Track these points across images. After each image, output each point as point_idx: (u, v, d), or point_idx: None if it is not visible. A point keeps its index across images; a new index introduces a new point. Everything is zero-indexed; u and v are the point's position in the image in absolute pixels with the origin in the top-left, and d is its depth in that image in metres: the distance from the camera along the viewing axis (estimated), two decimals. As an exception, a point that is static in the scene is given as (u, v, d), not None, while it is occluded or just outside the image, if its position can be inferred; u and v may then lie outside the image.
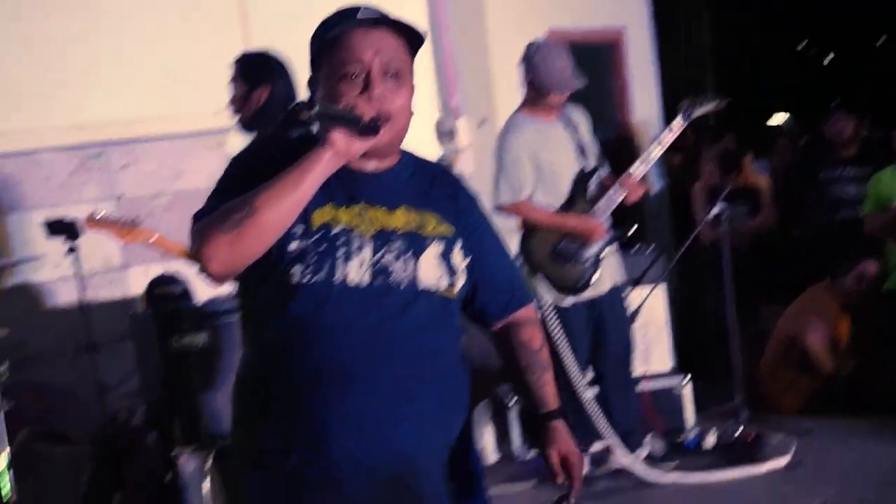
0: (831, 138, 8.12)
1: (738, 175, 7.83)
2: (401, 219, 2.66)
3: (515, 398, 6.33)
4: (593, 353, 5.82)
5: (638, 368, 6.30)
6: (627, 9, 8.93)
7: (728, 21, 13.75)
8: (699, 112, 5.86)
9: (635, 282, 6.42)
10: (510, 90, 6.09)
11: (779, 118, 13.78)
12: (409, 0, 7.66)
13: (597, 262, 5.73)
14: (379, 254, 2.60)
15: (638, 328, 6.36)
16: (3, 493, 4.39)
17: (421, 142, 7.43)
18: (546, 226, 5.73)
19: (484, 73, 7.41)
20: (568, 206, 5.75)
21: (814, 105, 8.78)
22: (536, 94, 5.74)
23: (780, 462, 5.82)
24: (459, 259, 2.70)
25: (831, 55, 14.92)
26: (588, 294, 5.72)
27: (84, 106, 6.69)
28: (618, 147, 8.03)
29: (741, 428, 6.29)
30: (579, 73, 5.69)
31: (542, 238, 5.75)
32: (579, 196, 5.76)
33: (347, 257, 2.57)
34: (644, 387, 6.33)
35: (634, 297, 6.37)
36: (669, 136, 5.83)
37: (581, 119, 5.88)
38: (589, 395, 5.68)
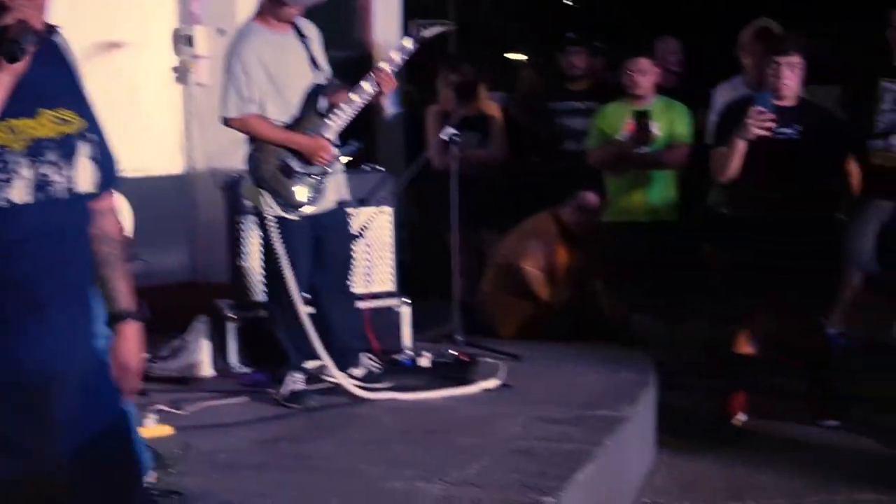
0: (564, 71, 8.32)
1: (472, 103, 7.93)
2: (46, 125, 2.58)
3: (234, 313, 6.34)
4: (314, 269, 5.83)
5: (360, 287, 6.40)
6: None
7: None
8: (428, 34, 5.88)
9: (362, 201, 6.48)
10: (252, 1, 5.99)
11: (520, 53, 13.99)
12: None
13: (322, 179, 5.73)
14: (35, 168, 2.53)
15: (362, 248, 6.45)
16: None
17: (157, 48, 7.30)
18: (274, 142, 5.70)
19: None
20: (298, 120, 5.71)
21: (554, 41, 8.92)
22: (273, 5, 5.67)
23: (492, 383, 5.97)
24: (98, 152, 2.67)
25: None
26: (311, 210, 5.73)
27: None
28: (357, 66, 8.02)
29: (457, 349, 6.45)
30: None
31: (269, 152, 5.70)
32: (310, 111, 5.73)
33: (5, 179, 2.49)
34: (365, 306, 6.41)
35: (361, 216, 6.44)
36: (397, 57, 5.84)
37: (313, 33, 5.84)
38: (305, 311, 5.71)
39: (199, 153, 7.49)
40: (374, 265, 6.63)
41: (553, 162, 8.20)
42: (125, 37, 7.30)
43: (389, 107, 8.36)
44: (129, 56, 7.33)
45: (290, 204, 5.69)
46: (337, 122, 5.72)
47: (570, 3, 15.39)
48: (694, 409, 6.53)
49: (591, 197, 7.14)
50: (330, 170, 5.73)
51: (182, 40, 7.44)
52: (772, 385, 6.81)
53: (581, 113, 8.00)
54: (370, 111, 6.76)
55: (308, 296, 5.81)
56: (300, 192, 5.69)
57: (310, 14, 5.80)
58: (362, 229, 6.43)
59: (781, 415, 6.41)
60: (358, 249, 6.27)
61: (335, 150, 5.73)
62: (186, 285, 7.41)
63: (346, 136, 5.80)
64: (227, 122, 5.69)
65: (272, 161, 5.69)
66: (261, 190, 5.70)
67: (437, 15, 6.80)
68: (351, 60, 8.10)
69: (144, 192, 7.12)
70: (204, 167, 7.43)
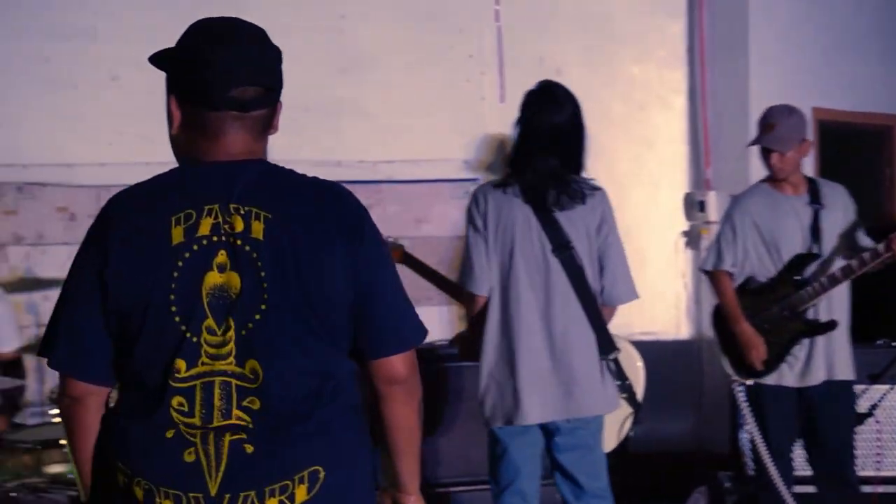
0: None
1: None
2: None
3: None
4: (808, 449, 5.54)
5: (869, 470, 6.04)
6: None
7: None
8: None
9: (873, 378, 6.07)
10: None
11: None
12: (667, 59, 7.71)
13: (786, 351, 5.42)
14: None
15: (872, 429, 6.05)
16: None
17: (667, 214, 7.40)
18: (724, 310, 5.59)
19: (741, 148, 7.24)
20: (774, 283, 5.50)
21: None
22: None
23: None
24: None
25: None
26: (791, 381, 5.43)
27: (332, 144, 6.97)
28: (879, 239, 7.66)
29: None
30: (785, 136, 5.38)
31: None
32: (788, 278, 5.47)
33: None
34: (874, 491, 6.00)
35: (872, 394, 6.04)
36: None
37: (838, 201, 5.58)
38: (783, 488, 5.41)
39: (708, 320, 7.40)
40: (886, 447, 6.19)
41: None
42: (635, 200, 7.46)
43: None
44: (639, 219, 7.46)
45: (743, 370, 5.51)
46: (812, 295, 5.40)
47: None
48: None
49: None
50: (797, 343, 5.40)
51: (693, 205, 7.48)
52: None
53: None
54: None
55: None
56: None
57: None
58: (872, 408, 6.02)
59: None
60: (867, 430, 5.91)
61: (767, 358, 5.42)
62: (689, 454, 7.29)
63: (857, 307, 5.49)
64: (702, 271, 5.76)
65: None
66: (722, 353, 5.60)
67: None
68: (873, 231, 7.79)
69: (653, 355, 7.22)
70: (712, 333, 7.32)
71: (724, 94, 7.54)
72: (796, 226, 5.48)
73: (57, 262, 6.22)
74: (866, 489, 5.92)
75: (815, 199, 5.52)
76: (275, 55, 2.73)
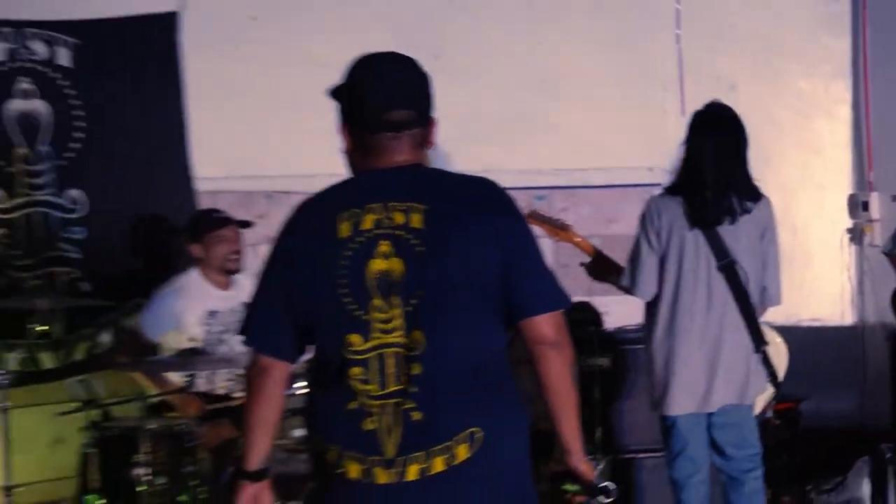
0: None
1: None
2: None
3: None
4: None
5: None
6: None
7: None
8: None
9: None
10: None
11: None
12: (832, 73, 8.12)
13: None
14: None
15: None
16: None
17: (832, 214, 7.82)
18: None
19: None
20: None
21: None
22: None
23: None
24: None
25: None
26: None
27: (533, 154, 7.63)
28: None
29: None
30: None
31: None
32: None
33: None
34: None
35: None
36: None
37: None
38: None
39: (870, 308, 7.86)
40: None
41: None
42: (803, 202, 7.97)
43: None
44: (806, 219, 7.98)
45: None
46: None
47: None
48: None
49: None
50: None
51: (857, 205, 7.89)
52: None
53: None
54: None
55: None
56: None
57: None
58: None
59: None
60: None
61: None
62: (852, 430, 7.53)
63: None
64: (885, 255, 6.13)
65: None
66: None
67: None
68: None
69: (818, 340, 7.66)
70: (874, 321, 7.76)
71: (886, 103, 7.84)
72: None
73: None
74: None
75: None
76: (422, 81, 3.02)
